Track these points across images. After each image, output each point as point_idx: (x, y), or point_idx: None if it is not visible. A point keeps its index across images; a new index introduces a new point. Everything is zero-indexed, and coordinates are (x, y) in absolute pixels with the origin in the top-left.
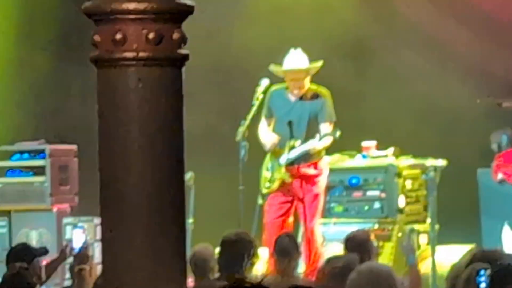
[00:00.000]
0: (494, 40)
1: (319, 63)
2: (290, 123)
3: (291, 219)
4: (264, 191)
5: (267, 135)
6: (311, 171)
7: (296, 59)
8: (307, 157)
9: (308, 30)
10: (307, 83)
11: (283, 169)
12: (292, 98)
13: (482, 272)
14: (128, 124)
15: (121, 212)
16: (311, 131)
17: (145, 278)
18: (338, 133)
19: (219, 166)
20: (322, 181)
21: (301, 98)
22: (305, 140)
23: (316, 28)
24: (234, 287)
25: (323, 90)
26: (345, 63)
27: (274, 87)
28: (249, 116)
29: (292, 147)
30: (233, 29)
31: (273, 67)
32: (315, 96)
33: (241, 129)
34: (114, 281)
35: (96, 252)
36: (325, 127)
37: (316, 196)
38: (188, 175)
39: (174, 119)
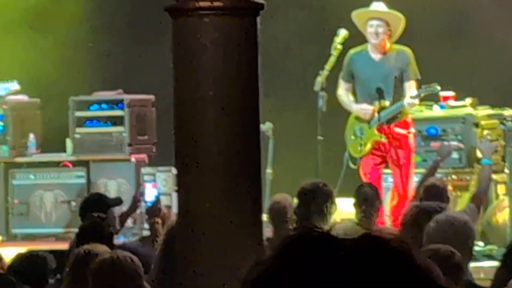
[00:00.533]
0: None
1: (401, 16)
2: (376, 83)
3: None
4: (357, 155)
5: (357, 106)
6: (402, 130)
7: (380, 6)
8: (397, 116)
9: None
10: (387, 39)
11: (375, 130)
12: (376, 58)
13: None
14: (203, 72)
15: (195, 159)
16: (397, 90)
17: (219, 226)
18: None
19: (298, 116)
20: (412, 138)
21: (384, 57)
22: (392, 99)
23: None
24: (302, 235)
25: (406, 49)
26: (424, 15)
27: (353, 51)
28: (327, 66)
29: (382, 108)
30: None
31: (359, 10)
32: (399, 54)
33: (319, 79)
34: (188, 227)
35: (174, 202)
36: (411, 85)
37: (408, 153)
38: (267, 126)
39: (249, 68)
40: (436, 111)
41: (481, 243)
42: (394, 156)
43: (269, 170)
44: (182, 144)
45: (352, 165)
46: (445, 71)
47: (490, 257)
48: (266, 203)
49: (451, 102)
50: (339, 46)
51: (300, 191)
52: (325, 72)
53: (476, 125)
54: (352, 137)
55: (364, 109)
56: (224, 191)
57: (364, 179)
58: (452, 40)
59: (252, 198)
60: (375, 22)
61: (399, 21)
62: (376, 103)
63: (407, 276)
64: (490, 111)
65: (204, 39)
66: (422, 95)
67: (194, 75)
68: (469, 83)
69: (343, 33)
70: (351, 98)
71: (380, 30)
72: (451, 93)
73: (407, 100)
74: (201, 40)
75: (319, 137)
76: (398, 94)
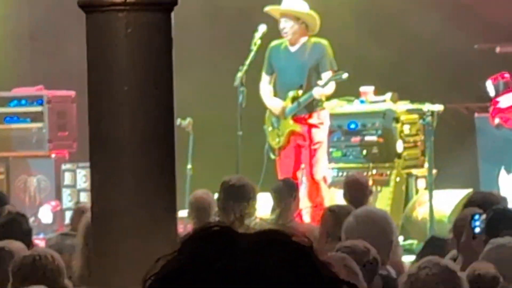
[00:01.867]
0: None
1: (312, 12)
2: (291, 74)
3: (302, 166)
4: (276, 145)
5: (271, 101)
6: (315, 120)
7: (291, 2)
8: (311, 107)
9: None
10: (301, 33)
11: (290, 121)
12: (292, 49)
13: (476, 217)
14: (117, 68)
15: (110, 157)
16: (313, 81)
17: (133, 223)
18: (345, 75)
19: (218, 111)
20: (325, 130)
21: (300, 48)
22: (307, 89)
23: None
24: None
25: (322, 40)
26: (343, 10)
27: (273, 43)
28: (247, 62)
29: (296, 97)
30: None
31: (269, 7)
32: (315, 45)
33: (239, 75)
34: (102, 225)
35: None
36: (327, 76)
37: (320, 143)
38: (187, 121)
39: (164, 63)
40: (356, 106)
41: (401, 238)
42: (307, 144)
43: (189, 166)
44: (96, 140)
45: (272, 156)
46: (365, 66)
47: (410, 251)
48: (187, 199)
49: (371, 97)
50: (259, 42)
51: (222, 186)
52: (245, 68)
53: (396, 120)
54: (270, 128)
55: (273, 106)
56: (138, 187)
57: (282, 170)
58: (372, 36)
59: (167, 194)
60: (283, 19)
61: (309, 17)
62: (291, 93)
63: (304, 272)
64: (410, 106)
65: (118, 35)
66: (329, 82)
67: (108, 71)
68: (389, 78)
69: (262, 28)
70: (269, 91)
71: (288, 26)
72: (371, 88)
73: (315, 89)
74: (114, 35)
75: (239, 133)
76: (315, 84)
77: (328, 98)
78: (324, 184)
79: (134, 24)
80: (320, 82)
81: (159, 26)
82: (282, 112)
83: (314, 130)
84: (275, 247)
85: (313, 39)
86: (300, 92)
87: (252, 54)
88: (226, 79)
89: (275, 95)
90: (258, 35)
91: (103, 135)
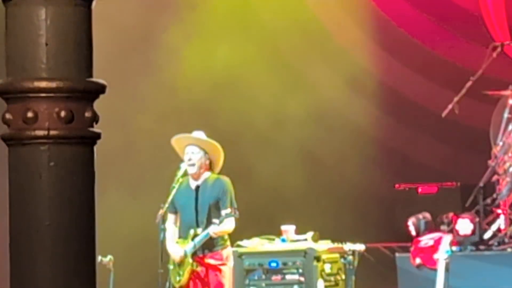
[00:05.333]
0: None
1: (218, 145)
2: (191, 212)
3: None
4: (176, 284)
5: (172, 247)
6: (214, 261)
7: (194, 134)
8: (211, 246)
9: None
10: (205, 168)
11: (190, 259)
12: (193, 186)
13: None
14: (39, 202)
15: None
16: (213, 218)
17: None
18: (237, 213)
19: (139, 249)
20: (227, 271)
21: (200, 185)
22: (206, 227)
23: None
24: None
25: (223, 177)
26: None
27: (176, 182)
28: (169, 199)
29: (195, 235)
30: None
31: (177, 137)
32: (216, 182)
33: (160, 212)
34: None
35: None
36: (227, 213)
37: (221, 286)
38: (107, 258)
39: (85, 198)
40: (277, 244)
41: None
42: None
43: None
44: (16, 278)
45: None
46: (286, 205)
47: None
48: None
49: (292, 236)
50: (181, 179)
51: None
52: (166, 205)
53: (317, 258)
54: (171, 267)
55: (173, 252)
56: None
57: None
58: (292, 176)
59: None
60: (190, 149)
61: (218, 152)
62: (191, 231)
63: None
64: (331, 245)
65: (40, 168)
66: (224, 220)
67: (30, 205)
68: (311, 217)
69: (184, 167)
70: (173, 232)
71: (195, 157)
72: (292, 227)
73: (212, 227)
74: (36, 169)
75: (160, 270)
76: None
77: (248, 236)
78: None
79: (56, 157)
80: (215, 221)
81: (82, 159)
82: (182, 258)
83: (212, 273)
84: None
85: (215, 175)
86: (200, 230)
87: (174, 192)
88: (148, 217)
89: (179, 234)
90: (180, 173)
91: (22, 273)
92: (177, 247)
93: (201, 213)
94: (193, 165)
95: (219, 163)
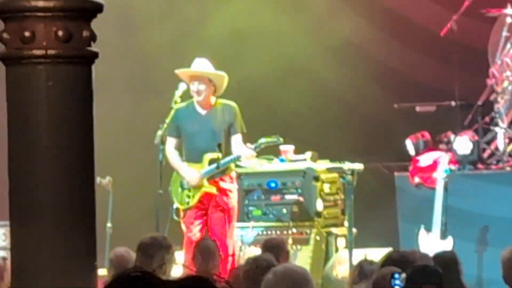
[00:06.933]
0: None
1: (223, 74)
2: (205, 137)
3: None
4: (183, 206)
5: (184, 168)
6: (226, 184)
7: (200, 64)
8: (223, 170)
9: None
10: (211, 95)
11: (205, 182)
12: (202, 112)
13: (396, 275)
14: (37, 122)
15: (29, 213)
16: (223, 143)
17: (54, 279)
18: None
19: (138, 169)
20: (236, 193)
21: (210, 111)
22: (220, 152)
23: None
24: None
25: (231, 103)
26: (266, 68)
27: (178, 106)
28: (168, 120)
29: (213, 160)
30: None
31: (179, 70)
32: (225, 108)
33: (159, 133)
34: (23, 282)
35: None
36: (238, 138)
37: (233, 208)
38: (107, 179)
39: (84, 118)
40: (276, 165)
41: None
42: (220, 207)
43: (109, 224)
44: (16, 198)
45: (176, 217)
46: (285, 125)
47: None
48: (107, 257)
49: (291, 156)
50: (179, 100)
51: (139, 244)
52: (165, 126)
53: (316, 178)
54: (179, 189)
55: (191, 176)
56: (57, 245)
57: (187, 231)
58: (291, 95)
59: (87, 253)
60: (196, 81)
61: (221, 78)
62: (208, 155)
63: None
64: (330, 165)
65: (38, 88)
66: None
67: (28, 126)
68: (310, 137)
69: (183, 87)
70: (177, 154)
71: (202, 88)
72: (291, 147)
73: (247, 151)
74: (35, 89)
75: (159, 191)
76: (227, 147)
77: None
78: (235, 245)
79: (54, 77)
80: (249, 145)
81: (80, 79)
82: (198, 179)
83: (224, 196)
84: None
85: (222, 101)
86: (218, 155)
87: (172, 112)
88: (146, 137)
89: (185, 158)
90: (178, 93)
91: (22, 193)
92: (194, 171)
93: (215, 139)
94: (201, 94)
95: (223, 88)
